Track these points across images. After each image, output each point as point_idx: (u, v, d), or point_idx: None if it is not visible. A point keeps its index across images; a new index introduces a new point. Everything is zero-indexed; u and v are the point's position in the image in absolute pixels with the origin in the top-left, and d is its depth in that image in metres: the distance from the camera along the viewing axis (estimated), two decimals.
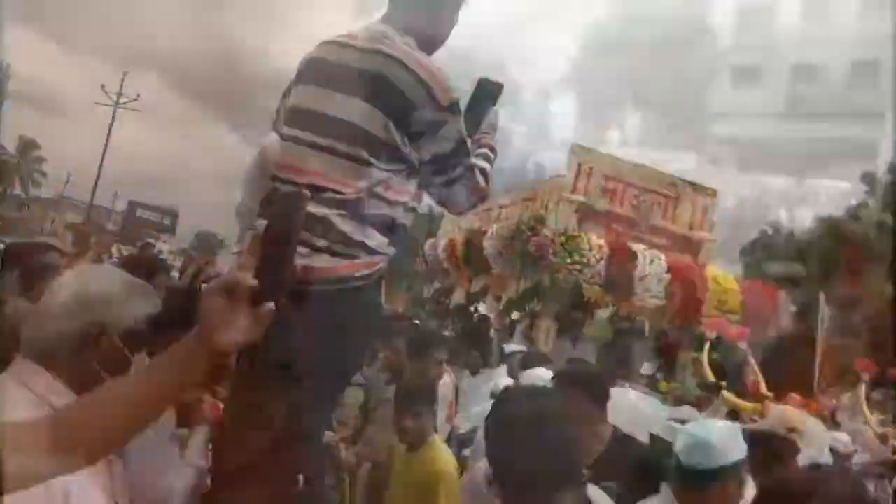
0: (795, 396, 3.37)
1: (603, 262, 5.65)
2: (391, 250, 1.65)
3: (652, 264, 5.71)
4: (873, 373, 4.61)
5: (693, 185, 6.80)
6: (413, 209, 1.70)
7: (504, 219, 7.42)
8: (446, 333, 5.41)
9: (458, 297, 7.96)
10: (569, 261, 5.66)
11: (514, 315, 6.77)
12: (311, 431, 1.70)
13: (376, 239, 1.59)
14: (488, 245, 6.74)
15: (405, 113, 1.57)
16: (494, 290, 7.11)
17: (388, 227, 1.62)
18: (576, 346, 6.52)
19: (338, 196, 1.54)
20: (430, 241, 9.01)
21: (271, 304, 0.89)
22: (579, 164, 6.51)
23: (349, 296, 1.55)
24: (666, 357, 6.50)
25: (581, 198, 6.44)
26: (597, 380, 2.46)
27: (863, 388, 4.42)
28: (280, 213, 1.02)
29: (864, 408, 4.19)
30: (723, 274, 6.02)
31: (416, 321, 6.40)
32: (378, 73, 1.57)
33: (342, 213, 1.53)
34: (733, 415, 3.30)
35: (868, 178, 21.08)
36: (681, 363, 5.98)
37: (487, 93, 1.92)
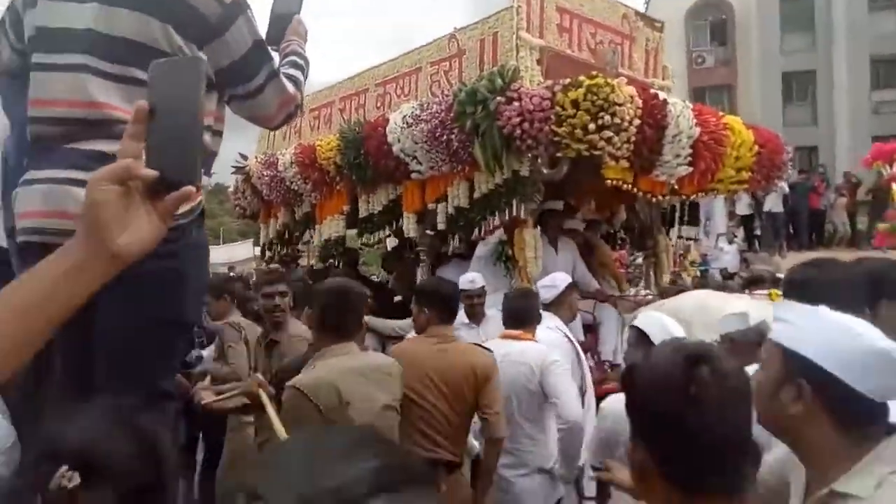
0: None
1: (636, 123, 3.74)
2: (206, 179, 1.58)
3: (681, 117, 3.99)
4: None
5: (643, 16, 5.17)
6: (220, 132, 1.62)
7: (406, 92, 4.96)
8: None
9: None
10: (592, 126, 3.61)
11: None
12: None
13: None
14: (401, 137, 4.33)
15: (185, 15, 1.45)
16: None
17: None
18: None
19: None
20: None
21: (185, 189, 0.72)
22: None
23: (172, 236, 1.29)
24: None
25: (540, 40, 4.34)
26: None
27: None
28: (178, 80, 0.77)
29: None
30: (736, 119, 4.58)
31: None
32: None
33: None
34: None
35: None
36: None
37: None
